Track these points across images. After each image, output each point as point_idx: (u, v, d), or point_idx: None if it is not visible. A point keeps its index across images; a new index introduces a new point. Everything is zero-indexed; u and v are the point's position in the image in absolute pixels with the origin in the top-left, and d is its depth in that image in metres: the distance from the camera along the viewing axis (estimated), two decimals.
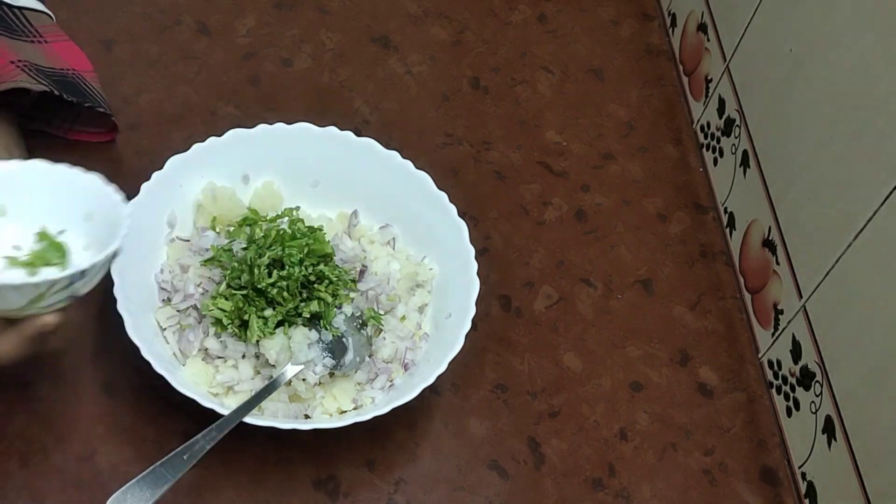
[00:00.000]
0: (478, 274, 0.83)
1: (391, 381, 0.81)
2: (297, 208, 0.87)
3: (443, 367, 0.77)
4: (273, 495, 0.78)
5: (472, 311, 0.81)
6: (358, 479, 0.79)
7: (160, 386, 0.73)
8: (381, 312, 0.83)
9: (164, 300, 0.82)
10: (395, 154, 0.88)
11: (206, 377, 0.78)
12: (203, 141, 0.86)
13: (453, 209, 0.87)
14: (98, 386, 0.80)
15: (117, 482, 0.69)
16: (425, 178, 0.88)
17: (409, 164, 0.88)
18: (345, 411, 0.79)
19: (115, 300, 0.75)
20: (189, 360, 0.79)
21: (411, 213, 0.88)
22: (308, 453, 0.80)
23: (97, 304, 0.83)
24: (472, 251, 0.84)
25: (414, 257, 0.89)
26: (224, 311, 0.78)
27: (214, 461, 0.74)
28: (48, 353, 0.80)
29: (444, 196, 0.87)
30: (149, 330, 0.78)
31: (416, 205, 0.88)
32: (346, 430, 0.75)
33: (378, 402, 0.79)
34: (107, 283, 0.76)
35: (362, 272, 0.84)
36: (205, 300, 0.80)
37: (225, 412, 0.73)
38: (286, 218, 0.85)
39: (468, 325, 0.80)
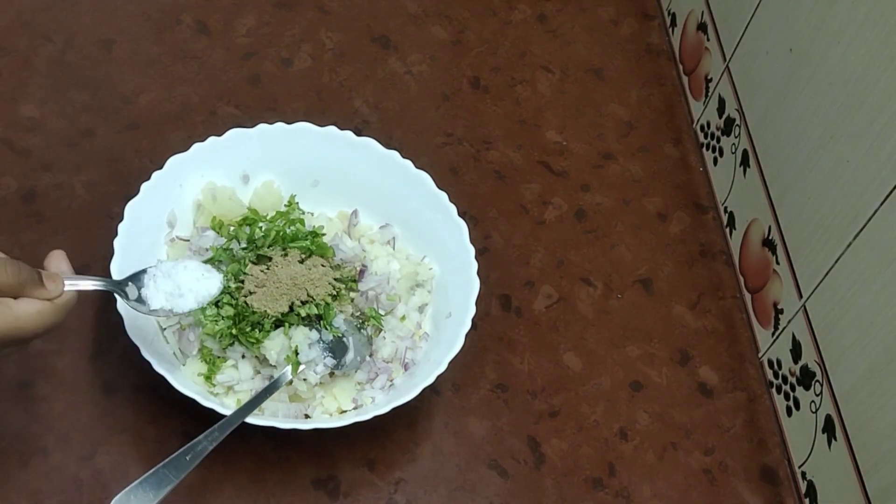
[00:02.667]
0: (478, 273, 0.83)
1: (391, 380, 0.81)
2: (297, 201, 0.88)
3: (443, 367, 0.77)
4: (273, 495, 0.78)
5: (472, 311, 0.81)
6: (358, 478, 0.79)
7: (160, 386, 0.73)
8: (382, 312, 0.83)
9: None
10: (394, 154, 0.88)
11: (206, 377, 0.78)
12: (203, 141, 0.86)
13: (453, 209, 0.87)
14: (98, 386, 0.80)
15: (117, 482, 0.69)
16: (425, 178, 0.88)
17: (408, 163, 0.88)
18: (345, 411, 0.79)
19: (115, 300, 0.75)
20: (189, 360, 0.79)
21: (411, 212, 0.88)
22: (308, 453, 0.80)
23: (97, 304, 0.83)
24: (472, 251, 0.84)
25: (414, 257, 0.89)
26: (211, 335, 0.78)
27: (214, 461, 0.74)
28: (48, 353, 0.81)
29: (444, 196, 0.87)
30: (149, 330, 0.78)
31: (416, 204, 0.88)
32: (346, 429, 0.75)
33: (378, 402, 0.79)
34: None
35: (362, 272, 0.84)
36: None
37: (225, 412, 0.73)
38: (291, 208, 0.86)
39: (468, 325, 0.80)
